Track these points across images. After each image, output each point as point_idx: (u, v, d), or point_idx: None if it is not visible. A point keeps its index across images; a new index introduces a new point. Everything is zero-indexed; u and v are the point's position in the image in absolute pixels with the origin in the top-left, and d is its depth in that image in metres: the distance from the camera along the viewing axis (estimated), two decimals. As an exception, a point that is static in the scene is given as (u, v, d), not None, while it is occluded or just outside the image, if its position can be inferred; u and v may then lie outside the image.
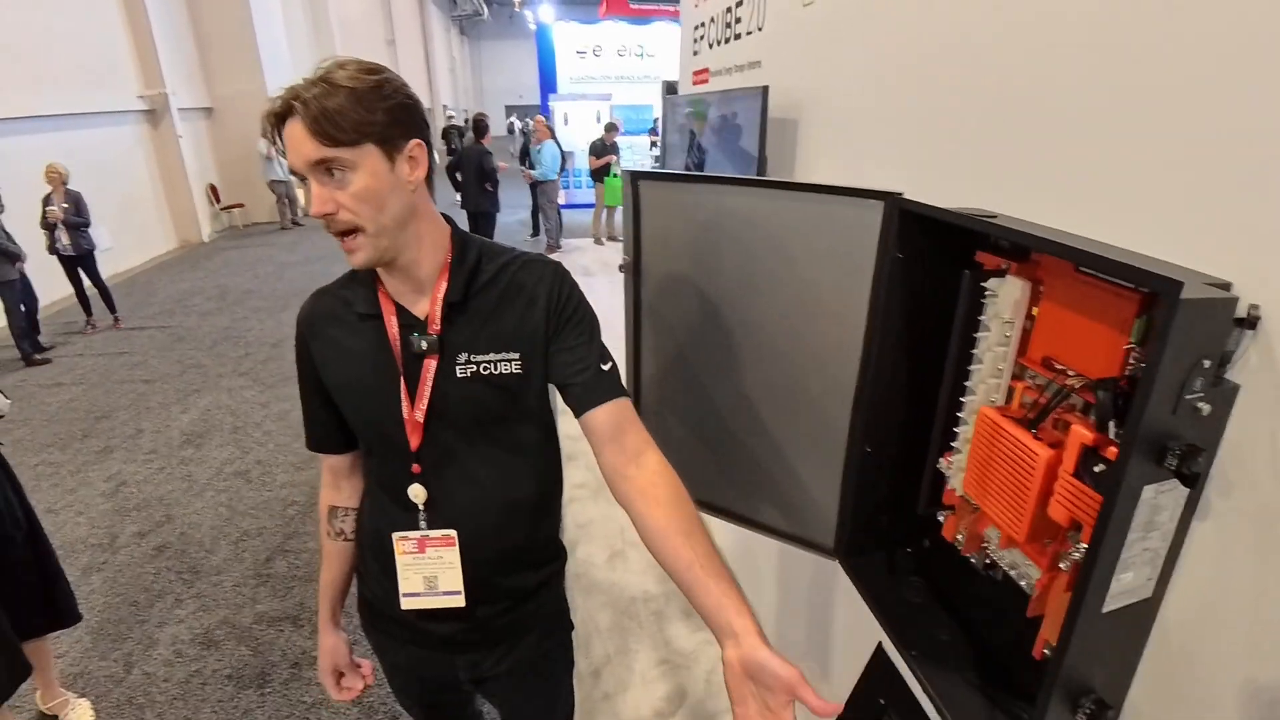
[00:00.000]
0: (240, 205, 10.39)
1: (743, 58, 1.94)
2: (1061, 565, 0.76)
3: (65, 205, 5.28)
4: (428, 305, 0.93)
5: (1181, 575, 0.69)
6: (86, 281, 5.66)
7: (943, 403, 0.90)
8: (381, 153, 0.82)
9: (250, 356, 5.14)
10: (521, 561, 1.05)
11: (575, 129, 10.49)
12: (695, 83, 2.53)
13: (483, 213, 6.82)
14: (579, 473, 3.17)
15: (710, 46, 2.31)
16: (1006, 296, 0.77)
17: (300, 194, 10.53)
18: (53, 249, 5.37)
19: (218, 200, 10.10)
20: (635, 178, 1.17)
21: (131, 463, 3.62)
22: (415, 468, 0.96)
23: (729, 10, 2.04)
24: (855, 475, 1.05)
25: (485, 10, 28.10)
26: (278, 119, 0.81)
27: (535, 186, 8.27)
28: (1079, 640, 0.66)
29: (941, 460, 0.95)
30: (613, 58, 11.91)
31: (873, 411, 1.00)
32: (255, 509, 3.17)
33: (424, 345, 0.92)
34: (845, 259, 0.98)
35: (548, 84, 12.12)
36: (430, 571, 1.00)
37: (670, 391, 1.34)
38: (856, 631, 1.41)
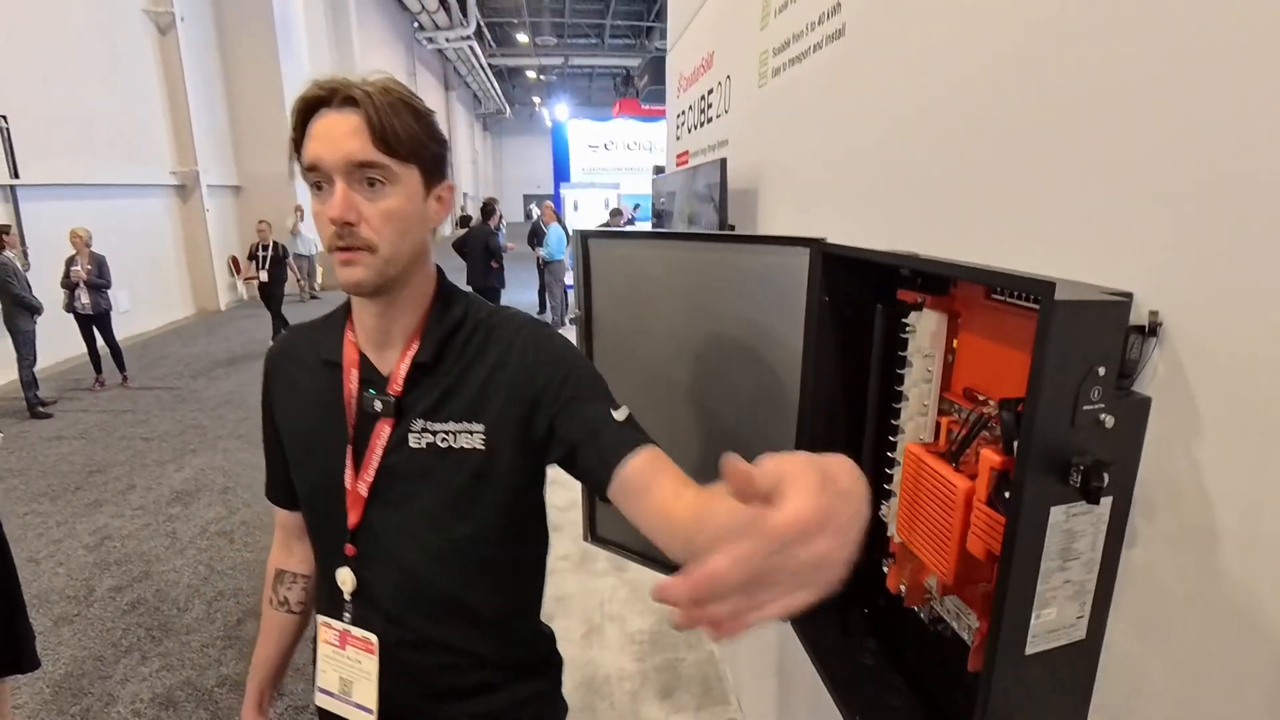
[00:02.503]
0: (256, 278, 10.74)
1: (714, 139, 2.07)
2: (994, 609, 0.72)
3: (89, 267, 5.52)
4: (395, 361, 0.80)
5: (1120, 613, 0.65)
6: (100, 341, 5.82)
7: (869, 443, 0.89)
8: (422, 180, 0.75)
9: (250, 420, 5.14)
10: (468, 684, 0.86)
11: (585, 215, 10.98)
12: (678, 164, 2.67)
13: (489, 288, 7.06)
14: (563, 544, 3.06)
15: (689, 131, 2.46)
16: (924, 329, 0.77)
17: (292, 223, 10.18)
18: (70, 307, 5.57)
19: (239, 272, 10.46)
20: (584, 236, 1.21)
21: (119, 517, 3.60)
22: (349, 549, 0.82)
23: (703, 98, 2.20)
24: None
25: (508, 109, 30.18)
26: (318, 104, 0.70)
27: (543, 267, 8.64)
28: (1002, 687, 0.61)
29: (883, 507, 0.92)
30: (622, 151, 12.67)
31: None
32: (234, 569, 3.10)
33: (378, 406, 0.78)
34: (783, 307, 0.99)
35: (561, 174, 12.84)
36: (347, 674, 0.85)
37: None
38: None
